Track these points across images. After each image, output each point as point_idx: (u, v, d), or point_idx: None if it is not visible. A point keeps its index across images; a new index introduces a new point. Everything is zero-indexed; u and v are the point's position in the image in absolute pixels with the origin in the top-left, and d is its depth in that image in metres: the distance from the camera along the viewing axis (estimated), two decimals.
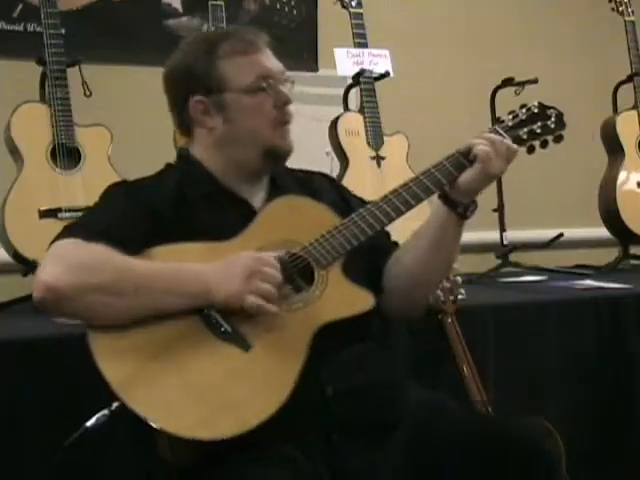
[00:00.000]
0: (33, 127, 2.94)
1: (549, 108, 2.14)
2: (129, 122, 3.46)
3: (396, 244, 2.19)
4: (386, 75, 3.41)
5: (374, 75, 3.40)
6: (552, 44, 4.56)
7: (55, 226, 2.83)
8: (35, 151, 2.92)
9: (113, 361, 1.80)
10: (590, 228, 4.10)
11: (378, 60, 3.41)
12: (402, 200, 2.01)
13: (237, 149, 2.05)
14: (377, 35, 3.47)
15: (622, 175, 3.76)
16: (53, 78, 2.95)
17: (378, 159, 3.34)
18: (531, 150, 2.14)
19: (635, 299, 3.11)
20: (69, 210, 2.88)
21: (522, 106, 2.13)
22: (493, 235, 3.61)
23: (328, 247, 1.95)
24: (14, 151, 2.94)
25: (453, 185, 2.03)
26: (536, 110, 2.13)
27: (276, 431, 1.75)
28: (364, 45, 3.40)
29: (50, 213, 2.87)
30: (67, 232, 1.93)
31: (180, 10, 3.81)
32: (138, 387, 1.77)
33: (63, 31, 3.00)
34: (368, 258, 2.08)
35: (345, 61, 3.36)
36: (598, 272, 3.70)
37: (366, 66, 3.38)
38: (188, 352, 1.82)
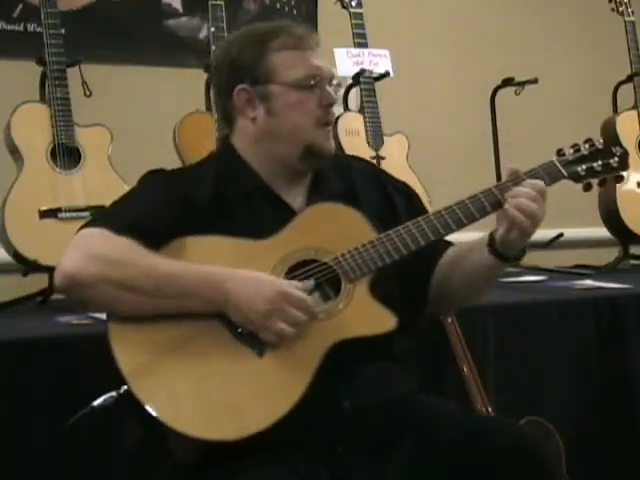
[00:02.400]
0: (33, 127, 2.94)
1: (615, 146, 2.06)
2: (129, 122, 3.46)
3: (446, 242, 2.14)
4: (386, 75, 3.41)
5: (374, 75, 3.40)
6: (552, 44, 4.56)
7: (55, 226, 2.86)
8: (35, 151, 2.92)
9: (128, 349, 1.81)
10: (590, 228, 4.10)
11: (378, 60, 3.41)
12: (443, 223, 1.98)
13: (277, 144, 2.02)
14: (377, 35, 3.47)
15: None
16: (53, 78, 2.95)
17: (378, 159, 3.34)
18: (588, 188, 2.06)
19: (635, 299, 3.11)
20: (69, 210, 2.88)
21: (586, 141, 2.05)
22: None
23: (359, 261, 1.93)
24: (14, 151, 2.94)
25: (499, 238, 1.96)
26: (600, 147, 2.05)
27: (281, 438, 1.75)
28: (364, 45, 3.40)
29: (50, 213, 2.88)
30: (98, 220, 1.92)
31: (180, 10, 3.81)
32: (148, 377, 1.78)
33: (63, 31, 3.00)
34: (412, 268, 2.04)
35: (345, 61, 3.36)
36: (598, 272, 3.69)
37: (366, 66, 3.38)
38: (203, 349, 1.82)
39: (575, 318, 3.00)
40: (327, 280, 1.92)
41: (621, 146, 2.07)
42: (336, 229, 1.97)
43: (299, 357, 1.83)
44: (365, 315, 1.90)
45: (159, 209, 1.93)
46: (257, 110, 2.02)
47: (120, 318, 1.84)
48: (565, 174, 2.02)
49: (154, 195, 1.97)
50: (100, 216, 1.95)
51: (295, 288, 1.85)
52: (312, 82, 2.00)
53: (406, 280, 2.05)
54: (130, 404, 1.78)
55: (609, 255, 3.91)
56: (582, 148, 2.05)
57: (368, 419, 1.90)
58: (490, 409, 2.61)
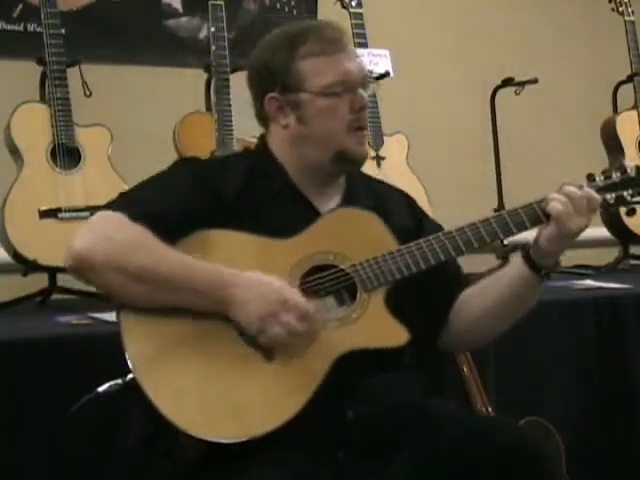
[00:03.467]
0: (33, 127, 2.94)
1: None
2: (129, 122, 3.46)
3: (467, 281, 2.13)
4: (386, 75, 3.40)
5: (374, 75, 3.40)
6: (552, 44, 4.56)
7: (55, 226, 2.86)
8: (35, 151, 2.92)
9: (138, 340, 1.80)
10: (590, 228, 4.09)
11: (378, 60, 3.41)
12: (465, 239, 1.94)
13: (309, 149, 2.01)
14: (377, 35, 3.47)
15: None
16: (53, 78, 2.95)
17: (378, 159, 3.35)
18: (631, 213, 2.04)
19: (635, 299, 3.11)
20: (69, 210, 2.89)
21: (618, 167, 2.00)
22: None
23: (377, 272, 1.91)
24: (14, 151, 2.94)
25: (535, 248, 1.95)
26: (633, 174, 1.99)
27: (283, 441, 1.74)
28: (364, 45, 3.40)
29: (50, 213, 2.88)
30: (118, 203, 1.91)
31: (180, 10, 3.81)
32: (155, 370, 1.78)
33: (63, 31, 3.00)
34: (434, 292, 2.03)
35: None
36: (598, 272, 3.70)
37: (366, 66, 3.38)
38: (213, 349, 1.81)
39: (575, 318, 3.00)
40: (343, 287, 1.91)
41: None
42: (358, 235, 1.95)
43: (307, 363, 1.82)
44: (378, 327, 1.89)
45: (183, 199, 1.91)
46: (288, 118, 2.01)
47: (133, 309, 1.83)
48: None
49: (180, 184, 1.95)
50: (121, 199, 1.93)
51: (298, 295, 1.84)
52: (340, 88, 1.98)
53: (425, 300, 2.03)
54: (134, 394, 1.77)
55: (609, 255, 3.91)
56: (613, 175, 1.99)
57: (371, 427, 1.90)
58: (490, 409, 2.62)
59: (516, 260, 1.99)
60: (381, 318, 1.90)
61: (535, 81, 3.54)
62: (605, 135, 3.83)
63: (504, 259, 3.53)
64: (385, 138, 3.37)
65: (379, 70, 3.40)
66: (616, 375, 3.01)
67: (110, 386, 1.81)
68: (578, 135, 4.36)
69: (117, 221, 1.86)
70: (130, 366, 1.77)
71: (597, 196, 1.94)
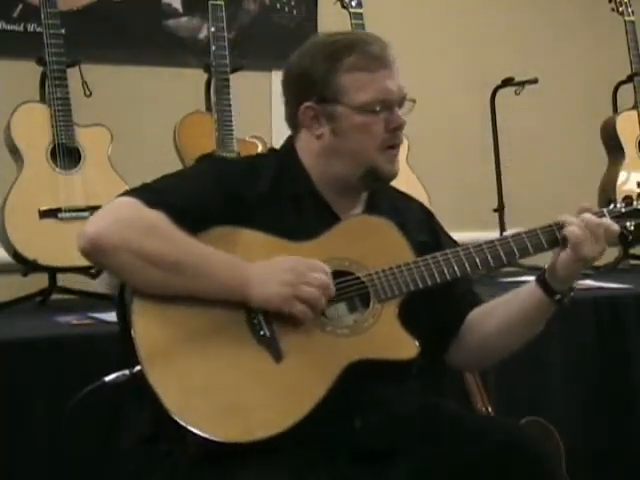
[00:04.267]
0: (33, 127, 2.94)
1: None
2: (129, 122, 3.47)
3: (477, 297, 2.12)
4: None
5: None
6: (552, 44, 4.56)
7: (55, 226, 2.86)
8: (35, 151, 2.92)
9: (149, 330, 1.78)
10: None
11: None
12: (482, 256, 1.94)
13: (339, 163, 1.99)
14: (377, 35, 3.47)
15: (622, 175, 3.75)
16: (53, 78, 2.95)
17: None
18: (626, 240, 2.04)
19: (635, 299, 3.11)
20: (69, 210, 2.88)
21: (639, 196, 2.01)
22: (493, 235, 3.60)
23: (392, 282, 1.90)
24: (14, 151, 2.94)
25: (551, 272, 1.94)
26: None
27: (285, 444, 1.73)
28: None
29: (50, 213, 2.88)
30: (134, 191, 1.89)
31: (180, 10, 3.81)
32: (163, 363, 1.76)
33: (63, 31, 2.99)
34: (446, 307, 2.03)
35: None
36: (598, 272, 3.69)
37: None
38: (222, 345, 1.80)
39: (575, 318, 3.00)
40: (357, 295, 1.90)
41: None
42: (375, 244, 1.94)
43: (316, 369, 1.81)
44: (389, 338, 1.88)
45: (200, 195, 1.89)
46: (323, 128, 1.99)
47: (145, 296, 1.81)
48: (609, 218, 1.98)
49: (201, 181, 1.94)
50: (140, 188, 1.91)
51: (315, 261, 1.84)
52: (378, 107, 1.98)
53: (436, 315, 2.02)
54: (139, 387, 1.76)
55: (609, 255, 3.91)
56: (636, 202, 2.02)
57: (379, 435, 1.89)
58: (490, 409, 2.61)
59: (530, 284, 1.99)
60: (393, 329, 1.88)
61: (535, 81, 3.54)
62: (605, 135, 3.83)
63: None
64: None
65: None
66: (616, 375, 3.01)
67: (117, 377, 1.78)
68: (578, 135, 4.36)
69: (133, 205, 1.84)
70: (138, 354, 1.75)
71: (616, 226, 1.96)
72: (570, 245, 1.91)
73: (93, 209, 2.87)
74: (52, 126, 2.93)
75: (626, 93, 3.86)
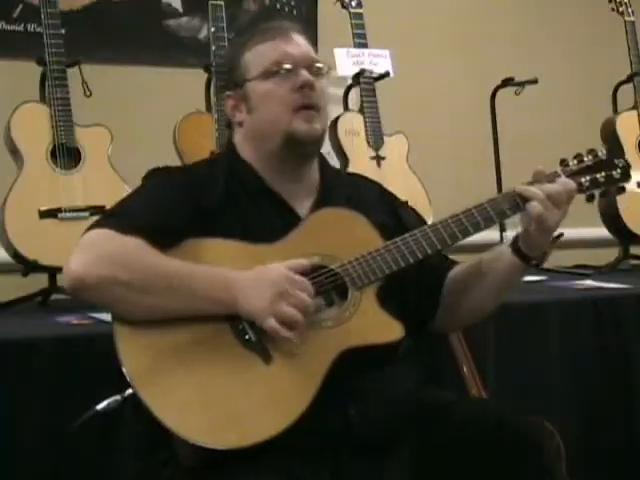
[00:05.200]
0: (33, 127, 2.94)
1: (617, 157, 2.06)
2: (129, 122, 3.47)
3: (450, 261, 2.16)
4: (386, 75, 3.41)
5: (374, 75, 3.40)
6: (552, 44, 4.56)
7: (55, 226, 2.86)
8: (35, 151, 2.92)
9: (135, 353, 1.79)
10: (590, 228, 4.09)
11: (378, 60, 3.41)
12: (450, 232, 1.96)
13: (262, 139, 2.00)
14: (377, 35, 3.47)
15: None
16: (53, 78, 2.95)
17: (378, 159, 3.34)
18: (591, 199, 2.07)
19: (635, 299, 3.11)
20: (69, 210, 2.88)
21: (590, 151, 2.05)
22: (493, 235, 3.61)
23: (366, 269, 1.91)
24: (14, 151, 2.94)
25: (523, 241, 1.99)
26: (603, 157, 2.04)
27: (284, 445, 1.73)
28: (364, 45, 3.40)
29: (50, 213, 2.87)
30: (104, 221, 1.90)
31: (180, 10, 3.81)
32: (154, 382, 1.76)
33: (63, 31, 2.99)
34: (422, 279, 2.05)
35: (345, 61, 3.36)
36: (598, 272, 3.69)
37: (366, 66, 3.38)
38: (210, 355, 1.80)
39: (575, 318, 3.00)
40: (334, 288, 1.91)
41: (624, 158, 2.07)
42: (343, 235, 1.95)
43: (306, 366, 1.82)
44: (373, 323, 1.89)
45: (167, 208, 1.91)
46: (242, 113, 2.02)
47: (127, 320, 1.82)
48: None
49: (161, 194, 1.95)
50: (106, 217, 1.92)
51: (300, 277, 1.84)
52: (275, 68, 1.98)
53: (414, 289, 2.05)
54: (134, 408, 1.77)
55: (609, 255, 3.91)
56: (585, 159, 2.04)
57: (374, 423, 1.89)
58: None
59: (504, 250, 2.03)
60: (375, 314, 1.90)
61: (535, 81, 3.53)
62: (605, 135, 3.83)
63: None
64: (385, 138, 3.37)
65: (379, 70, 3.41)
66: (616, 375, 3.01)
67: (109, 403, 1.78)
68: (578, 135, 4.35)
69: (108, 237, 1.85)
70: (129, 380, 1.76)
71: (574, 186, 1.98)
72: (535, 221, 1.93)
73: (93, 209, 2.87)
74: (52, 126, 2.93)
75: (626, 93, 3.86)
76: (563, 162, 2.04)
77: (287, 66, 1.98)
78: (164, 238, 1.85)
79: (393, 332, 1.89)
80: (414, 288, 2.05)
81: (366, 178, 2.23)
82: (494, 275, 2.04)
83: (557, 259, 3.88)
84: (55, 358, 2.33)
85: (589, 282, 3.34)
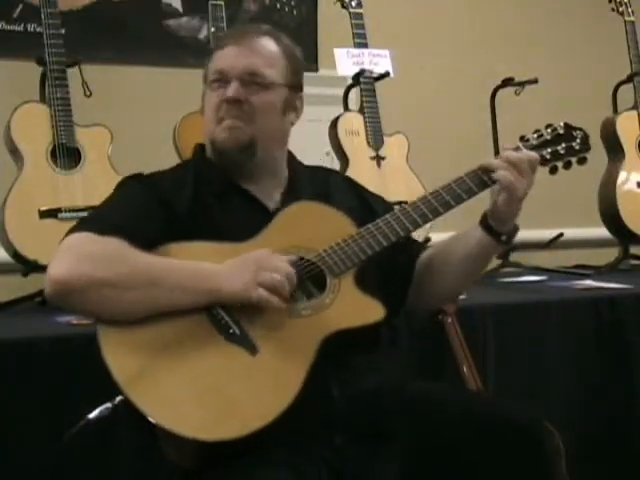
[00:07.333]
0: (33, 127, 2.94)
1: (575, 129, 2.13)
2: (129, 122, 3.46)
3: (420, 244, 2.21)
4: (386, 75, 3.41)
5: (374, 75, 3.40)
6: (552, 44, 4.56)
7: (55, 226, 2.85)
8: (35, 151, 2.92)
9: (120, 356, 1.80)
10: (590, 228, 4.10)
11: (378, 60, 3.41)
12: (420, 213, 2.00)
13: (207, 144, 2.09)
14: (377, 35, 3.48)
15: (622, 175, 3.76)
16: (53, 78, 2.95)
17: (378, 159, 3.35)
18: (554, 171, 2.11)
19: (635, 299, 3.11)
20: (69, 210, 2.88)
21: (548, 126, 2.11)
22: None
23: (342, 256, 1.94)
24: (14, 151, 2.94)
25: (492, 216, 2.02)
26: (562, 131, 2.11)
27: (280, 434, 1.74)
28: (364, 45, 3.40)
29: (50, 213, 2.88)
30: (81, 226, 1.91)
31: (180, 10, 3.81)
32: (144, 384, 1.77)
33: (63, 31, 3.00)
34: (394, 262, 2.09)
35: (345, 61, 3.37)
36: (598, 272, 3.70)
37: (366, 66, 3.39)
38: (195, 352, 1.81)
39: (575, 318, 3.00)
40: (310, 278, 1.93)
41: (581, 129, 2.14)
42: (316, 226, 1.99)
43: (293, 352, 1.84)
44: (354, 307, 1.92)
45: (140, 213, 1.94)
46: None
47: (109, 322, 1.82)
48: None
49: (134, 200, 1.98)
50: (82, 222, 1.94)
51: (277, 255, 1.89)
52: (215, 78, 2.06)
53: (389, 272, 2.08)
54: (127, 412, 1.76)
55: (609, 255, 3.91)
56: (545, 133, 2.10)
57: (359, 405, 1.90)
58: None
59: (474, 230, 2.05)
60: (355, 298, 1.93)
61: (535, 81, 3.54)
62: (605, 135, 3.83)
63: (504, 258, 3.54)
64: (385, 138, 3.37)
65: (379, 70, 3.41)
66: (616, 375, 3.01)
67: (100, 411, 1.78)
68: None
69: (88, 239, 1.86)
70: (118, 385, 1.76)
71: (536, 155, 2.03)
72: (504, 188, 1.97)
73: (93, 209, 2.87)
74: (52, 126, 2.94)
75: (626, 93, 3.86)
76: (523, 138, 2.09)
77: (217, 77, 2.06)
78: (142, 240, 1.87)
79: (374, 313, 1.92)
80: (389, 269, 2.08)
81: (326, 168, 2.29)
82: (463, 253, 2.07)
83: (557, 259, 3.89)
84: (55, 358, 2.33)
85: (589, 282, 3.34)
